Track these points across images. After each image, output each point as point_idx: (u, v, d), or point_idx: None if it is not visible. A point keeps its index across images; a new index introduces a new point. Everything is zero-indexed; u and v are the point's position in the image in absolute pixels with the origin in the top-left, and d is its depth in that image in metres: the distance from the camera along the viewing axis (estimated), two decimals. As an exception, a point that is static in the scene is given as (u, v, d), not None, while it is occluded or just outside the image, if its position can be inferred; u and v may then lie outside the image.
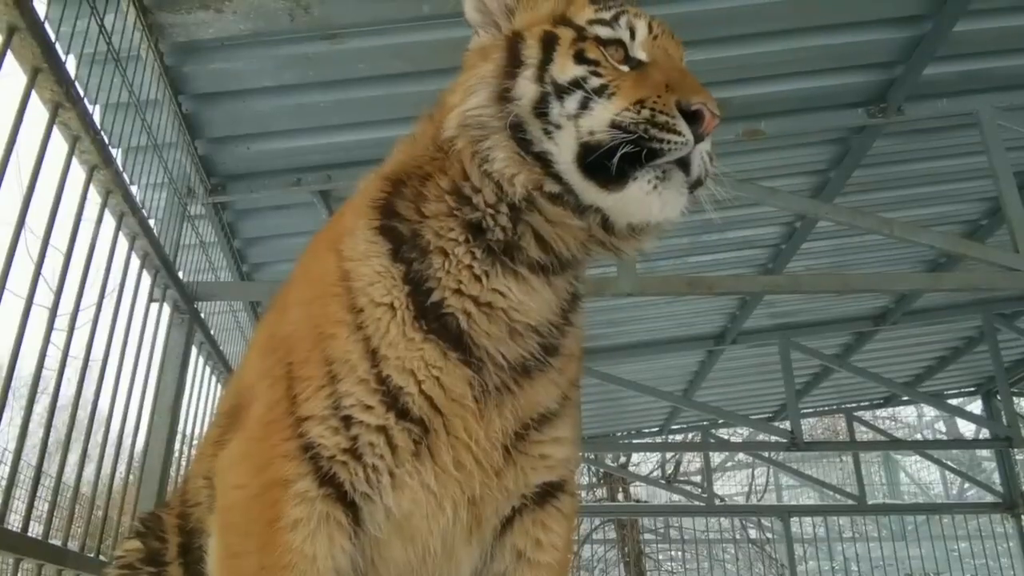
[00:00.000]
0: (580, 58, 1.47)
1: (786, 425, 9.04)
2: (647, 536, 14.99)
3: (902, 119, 5.15)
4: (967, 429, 14.88)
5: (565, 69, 1.46)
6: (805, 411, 11.64)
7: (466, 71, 1.59)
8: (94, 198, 3.35)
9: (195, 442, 4.98)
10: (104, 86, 3.45)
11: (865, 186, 6.09)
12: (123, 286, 3.71)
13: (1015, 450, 10.60)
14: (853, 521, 12.79)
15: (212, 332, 5.01)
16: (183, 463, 4.70)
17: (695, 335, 9.02)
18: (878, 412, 14.05)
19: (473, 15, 1.68)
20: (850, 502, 11.24)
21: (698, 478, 14.95)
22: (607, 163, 1.39)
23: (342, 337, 1.46)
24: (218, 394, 5.40)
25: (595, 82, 1.45)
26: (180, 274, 4.38)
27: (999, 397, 9.90)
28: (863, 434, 12.54)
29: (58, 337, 3.03)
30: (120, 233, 3.62)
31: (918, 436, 17.08)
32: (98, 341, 3.38)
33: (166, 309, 4.30)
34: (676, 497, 13.05)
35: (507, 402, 1.50)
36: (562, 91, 1.45)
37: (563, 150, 1.45)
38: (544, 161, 1.46)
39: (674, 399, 9.99)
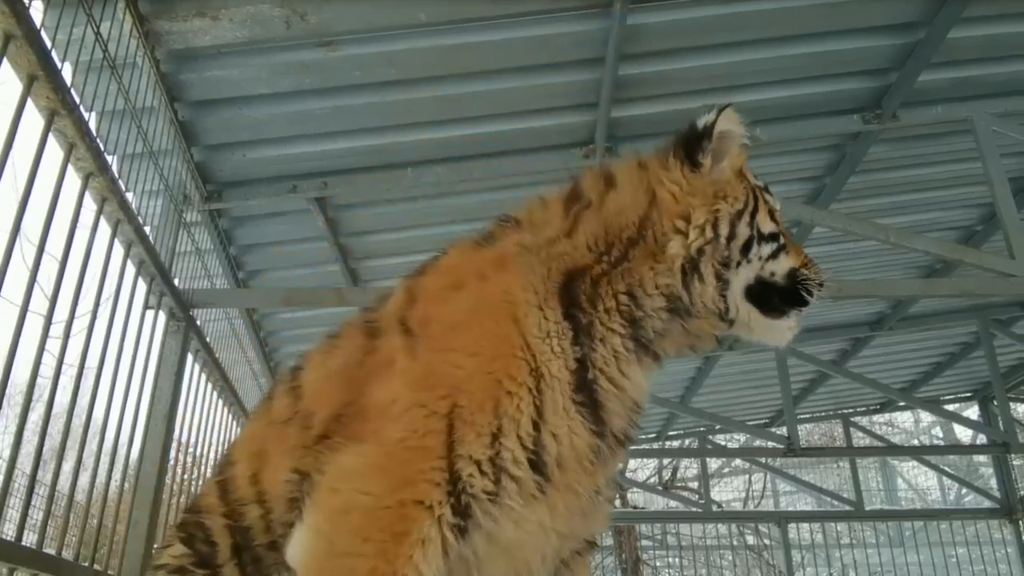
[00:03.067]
0: (772, 216, 1.94)
1: (783, 431, 9.03)
2: (644, 542, 14.96)
3: (897, 125, 5.17)
4: (964, 435, 14.89)
5: (766, 223, 1.91)
6: (802, 417, 11.64)
7: (689, 190, 1.88)
8: (89, 205, 3.35)
9: (191, 450, 4.97)
10: (100, 93, 3.45)
11: (860, 192, 6.11)
12: (118, 293, 3.70)
13: (1012, 455, 10.61)
14: (851, 527, 12.78)
15: (208, 339, 5.00)
16: (180, 471, 4.68)
17: (691, 341, 9.01)
18: (875, 418, 14.06)
19: (717, 142, 1.95)
20: (847, 508, 11.23)
21: (695, 484, 14.93)
22: (772, 298, 1.90)
23: (519, 398, 1.68)
24: (214, 401, 5.38)
25: (781, 239, 1.94)
26: (176, 281, 4.37)
27: (996, 402, 9.91)
28: (860, 440, 12.54)
29: (53, 345, 3.02)
30: (116, 240, 3.62)
31: (915, 442, 17.09)
32: (93, 348, 3.37)
33: (162, 316, 4.29)
34: (673, 503, 13.05)
35: (608, 464, 1.81)
36: (763, 239, 1.89)
37: (740, 280, 1.87)
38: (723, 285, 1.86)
39: (671, 405, 9.98)
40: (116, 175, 3.54)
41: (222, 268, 5.45)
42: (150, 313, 4.10)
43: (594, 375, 1.76)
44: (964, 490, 14.27)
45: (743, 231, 1.87)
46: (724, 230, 1.85)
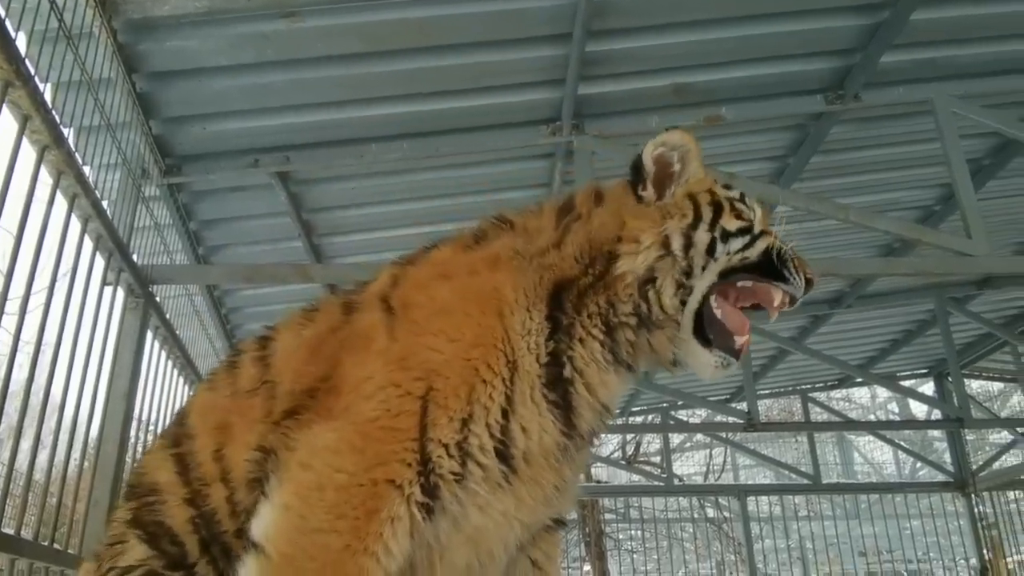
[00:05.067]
0: (739, 216, 2.04)
1: (743, 406, 9.16)
2: (607, 516, 15.16)
3: (859, 106, 5.22)
4: (919, 410, 15.27)
5: (731, 223, 2.01)
6: (762, 393, 11.83)
7: (636, 215, 2.01)
8: (45, 179, 3.26)
9: (151, 428, 4.90)
10: (55, 64, 3.36)
11: (822, 172, 6.18)
12: (76, 269, 3.63)
13: (966, 431, 10.92)
14: (808, 500, 13.06)
15: (168, 316, 4.93)
16: (140, 449, 4.62)
17: (656, 318, 9.09)
18: (833, 393, 14.34)
19: (649, 165, 2.08)
20: (805, 481, 11.48)
21: (658, 458, 15.13)
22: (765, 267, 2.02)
23: (492, 388, 1.75)
24: (175, 379, 5.32)
25: (755, 231, 2.04)
26: (134, 257, 4.29)
27: (950, 379, 10.17)
28: (818, 415, 12.79)
29: (9, 322, 2.96)
30: (72, 215, 3.54)
31: (871, 417, 17.49)
32: (50, 326, 3.30)
33: (120, 293, 4.21)
34: (636, 477, 13.22)
35: (574, 461, 1.90)
36: (730, 236, 1.99)
37: (705, 281, 1.96)
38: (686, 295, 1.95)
39: (635, 382, 10.07)
40: (72, 148, 3.45)
41: (182, 244, 5.36)
42: (108, 290, 4.02)
43: (571, 375, 1.85)
44: (919, 464, 14.64)
45: (702, 237, 1.98)
46: (677, 243, 1.96)
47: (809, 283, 2.08)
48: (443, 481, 1.69)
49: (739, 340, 1.98)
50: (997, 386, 14.05)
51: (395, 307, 1.86)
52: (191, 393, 2.19)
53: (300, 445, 1.67)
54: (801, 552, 13.54)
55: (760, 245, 2.02)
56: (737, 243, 2.00)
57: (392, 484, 1.64)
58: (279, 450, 1.70)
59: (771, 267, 2.00)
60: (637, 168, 2.10)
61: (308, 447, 1.67)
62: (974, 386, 13.14)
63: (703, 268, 1.96)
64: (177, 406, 5.32)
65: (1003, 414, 13.83)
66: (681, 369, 2.07)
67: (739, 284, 2.01)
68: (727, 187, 2.14)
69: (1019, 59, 5.22)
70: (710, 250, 1.97)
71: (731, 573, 14.97)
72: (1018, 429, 10.98)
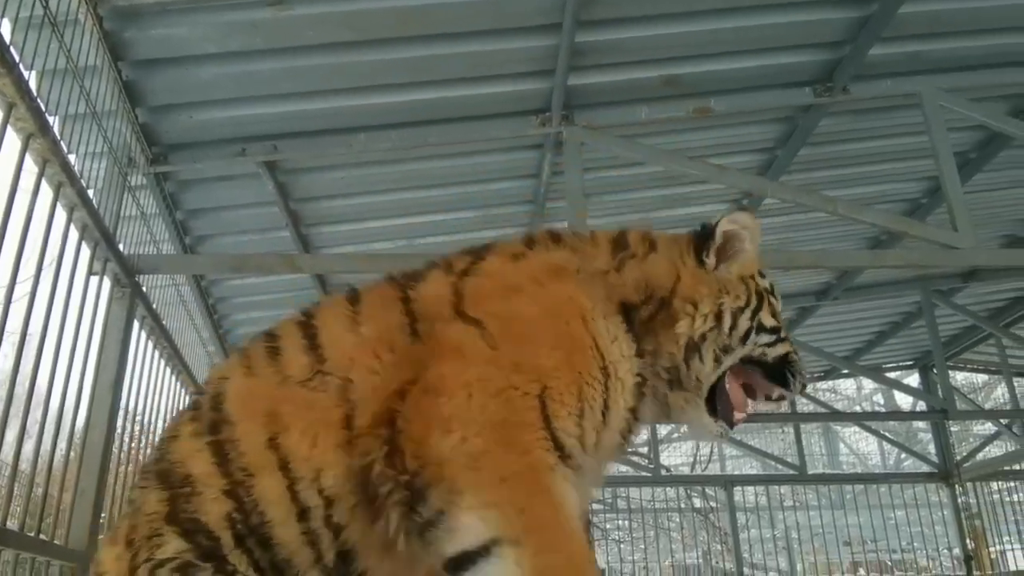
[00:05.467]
0: (774, 315, 2.23)
1: (731, 398, 9.21)
2: (595, 506, 15.22)
3: (847, 98, 5.24)
4: (904, 401, 15.36)
5: (768, 319, 2.20)
6: (749, 384, 11.87)
7: (696, 278, 2.17)
8: (30, 167, 3.24)
9: (138, 418, 4.88)
10: (40, 51, 3.32)
11: (810, 164, 6.20)
12: (61, 259, 3.60)
13: (950, 422, 11.00)
14: (794, 490, 13.14)
15: (155, 306, 4.90)
16: (127, 439, 4.61)
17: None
18: (819, 385, 14.40)
19: (719, 236, 2.21)
20: (791, 472, 11.55)
21: (645, 449, 15.17)
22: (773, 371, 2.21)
23: (595, 389, 1.91)
24: (162, 369, 5.29)
25: (782, 334, 2.23)
26: (121, 247, 4.26)
27: (935, 371, 10.25)
28: (804, 406, 12.83)
29: (-8, 311, 2.93)
30: (58, 204, 3.51)
31: (857, 408, 17.58)
32: (36, 315, 3.28)
33: (106, 283, 4.18)
34: (624, 468, 13.26)
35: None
36: (764, 330, 2.18)
37: (730, 361, 2.16)
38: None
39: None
40: (58, 136, 3.43)
41: (168, 233, 5.33)
42: (94, 279, 4.00)
43: (643, 385, 2.05)
44: (903, 455, 14.77)
45: (744, 323, 2.16)
46: (727, 321, 2.14)
47: (803, 388, 2.26)
48: (567, 459, 1.83)
49: (738, 416, 2.18)
50: (981, 378, 14.16)
51: (481, 319, 1.90)
52: (214, 377, 2.00)
53: (442, 458, 1.70)
54: (787, 541, 13.63)
55: (780, 349, 2.22)
56: (765, 339, 2.20)
57: (549, 468, 1.76)
58: (409, 460, 1.72)
59: (781, 372, 2.20)
60: (706, 234, 2.23)
61: (456, 457, 1.70)
62: (959, 378, 13.24)
63: (734, 350, 2.15)
64: (164, 396, 5.30)
65: (987, 406, 13.94)
66: (673, 422, 2.29)
67: (747, 368, 2.20)
68: (762, 275, 2.32)
69: (1006, 52, 5.25)
70: (745, 337, 2.16)
71: (717, 562, 15.07)
72: (1002, 420, 11.07)
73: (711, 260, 2.20)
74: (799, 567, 12.73)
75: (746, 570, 10.04)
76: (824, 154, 6.15)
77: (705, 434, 2.19)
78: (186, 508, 1.85)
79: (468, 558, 1.64)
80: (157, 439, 2.05)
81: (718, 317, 2.12)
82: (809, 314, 9.50)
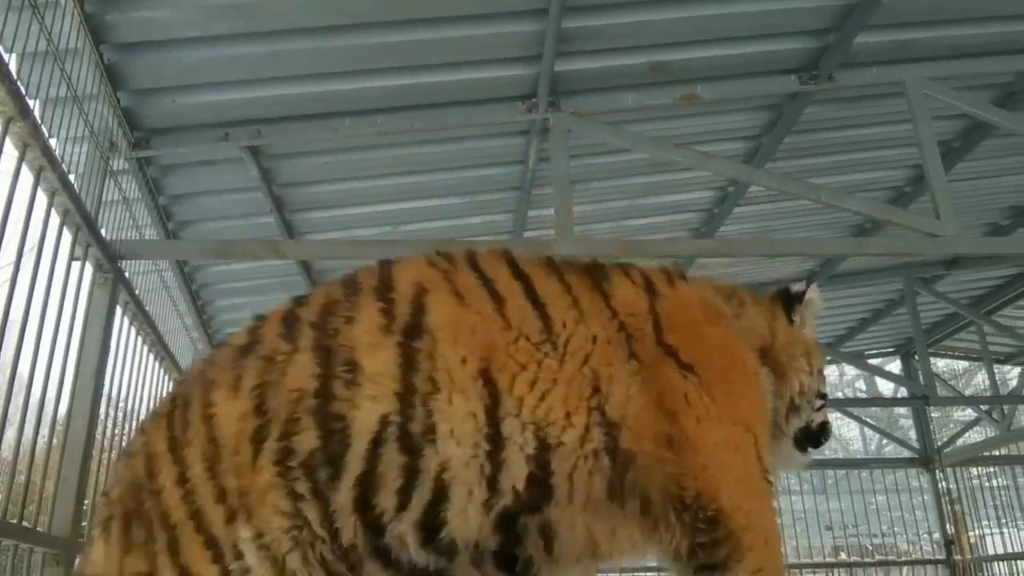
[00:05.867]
0: (824, 382, 2.49)
1: (715, 384, 9.26)
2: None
3: (833, 86, 5.25)
4: (886, 387, 15.50)
5: (823, 384, 2.47)
6: (734, 371, 11.94)
7: (790, 336, 2.40)
8: (10, 151, 3.19)
9: (121, 404, 4.85)
10: (20, 34, 3.27)
11: (796, 152, 6.22)
12: (42, 244, 3.56)
13: (931, 408, 11.11)
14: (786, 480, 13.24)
15: (137, 292, 4.86)
16: (110, 426, 4.57)
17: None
18: (802, 371, 14.50)
19: (804, 308, 2.48)
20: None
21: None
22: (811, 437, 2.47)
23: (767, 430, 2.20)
24: (145, 355, 5.25)
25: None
26: (103, 232, 4.22)
27: (917, 357, 10.33)
28: (788, 393, 12.93)
29: (-28, 297, 2.90)
30: (39, 188, 3.46)
31: (839, 394, 17.70)
32: (17, 301, 3.24)
33: (88, 268, 4.14)
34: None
35: None
36: (821, 396, 2.44)
37: (801, 421, 2.41)
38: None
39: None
40: (39, 120, 3.38)
41: (151, 218, 5.28)
42: (76, 265, 3.96)
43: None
44: (885, 440, 14.91)
45: (815, 385, 2.40)
46: (810, 380, 2.39)
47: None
48: None
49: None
50: (962, 364, 14.30)
51: (691, 364, 2.04)
52: (410, 280, 1.92)
53: (722, 510, 1.92)
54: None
55: (821, 417, 2.48)
56: (818, 403, 2.45)
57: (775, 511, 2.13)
58: (688, 496, 1.91)
59: (816, 437, 2.48)
60: (797, 297, 2.49)
61: (734, 514, 1.92)
62: (940, 364, 13.37)
63: (812, 402, 2.43)
64: (148, 383, 5.26)
65: (967, 392, 14.10)
66: None
67: None
68: None
69: (992, 41, 5.27)
70: (812, 398, 2.42)
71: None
72: (982, 407, 11.20)
73: (799, 320, 2.44)
74: (781, 551, 12.83)
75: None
76: (809, 142, 6.17)
77: (794, 466, 2.55)
78: (338, 395, 1.83)
79: None
80: (316, 311, 1.97)
81: (809, 374, 2.38)
82: (793, 301, 9.54)
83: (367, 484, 1.80)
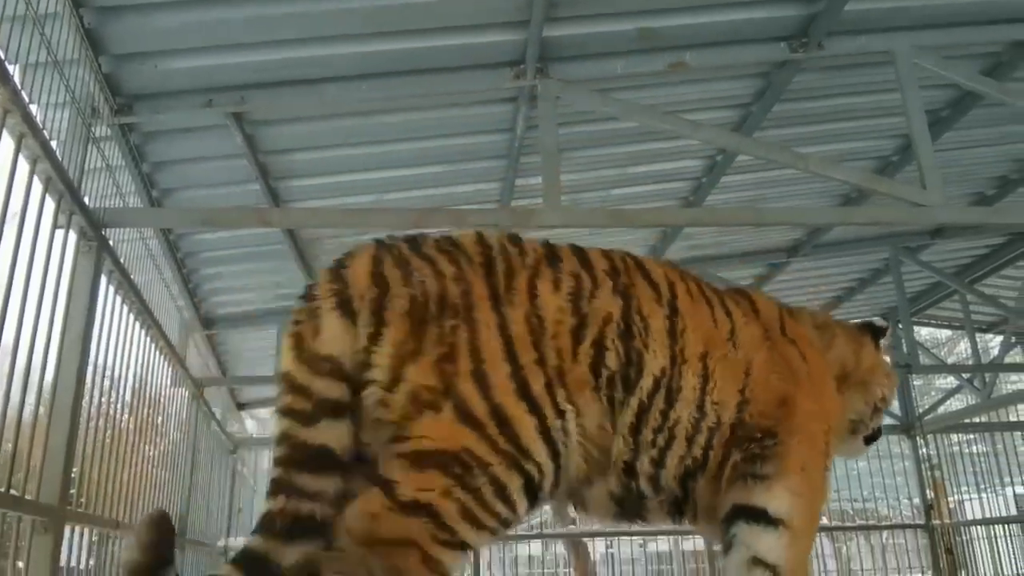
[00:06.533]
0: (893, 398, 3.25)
1: (701, 353, 9.31)
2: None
3: (822, 55, 5.22)
4: (869, 356, 15.63)
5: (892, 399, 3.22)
6: (719, 339, 12.02)
7: (877, 359, 3.14)
8: (-11, 118, 3.14)
9: (108, 373, 4.83)
10: (-4, -4, 3.20)
11: (784, 121, 6.20)
12: (25, 211, 3.52)
13: (913, 376, 11.23)
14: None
15: (122, 260, 4.82)
16: (97, 395, 4.56)
17: (617, 266, 9.13)
18: (788, 340, 14.62)
19: (884, 343, 3.27)
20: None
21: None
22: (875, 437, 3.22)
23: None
24: (131, 324, 5.23)
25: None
26: (86, 199, 4.17)
27: (900, 326, 10.40)
28: (773, 361, 13.05)
29: (-46, 266, 2.87)
30: (20, 155, 3.42)
31: (824, 362, 17.90)
32: (0, 268, 3.22)
33: (72, 236, 4.10)
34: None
35: None
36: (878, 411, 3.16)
37: (875, 424, 3.17)
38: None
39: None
40: (18, 86, 3.32)
41: (135, 186, 5.22)
42: (59, 233, 3.91)
43: None
44: (866, 408, 15.04)
45: (890, 397, 3.14)
46: (888, 393, 3.11)
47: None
48: None
49: None
50: (945, 333, 14.45)
51: (804, 355, 2.71)
52: (662, 276, 2.53)
53: (788, 452, 2.43)
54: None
55: (880, 422, 3.16)
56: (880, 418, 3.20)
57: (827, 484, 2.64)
58: (772, 460, 2.42)
59: (876, 437, 3.20)
60: (883, 331, 3.23)
61: (796, 456, 2.44)
62: (923, 333, 13.50)
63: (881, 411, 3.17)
64: (134, 351, 5.24)
65: (950, 360, 14.26)
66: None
67: None
68: None
69: (981, 11, 5.25)
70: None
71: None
72: (963, 375, 11.34)
73: (883, 347, 3.15)
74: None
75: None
76: (797, 111, 6.16)
77: (855, 455, 3.36)
78: (636, 335, 2.29)
79: (760, 514, 2.35)
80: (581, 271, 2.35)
81: (888, 387, 3.07)
82: (780, 270, 9.59)
83: (641, 416, 2.27)
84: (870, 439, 3.14)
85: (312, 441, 1.89)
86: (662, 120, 5.18)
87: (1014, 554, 11.04)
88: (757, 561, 2.29)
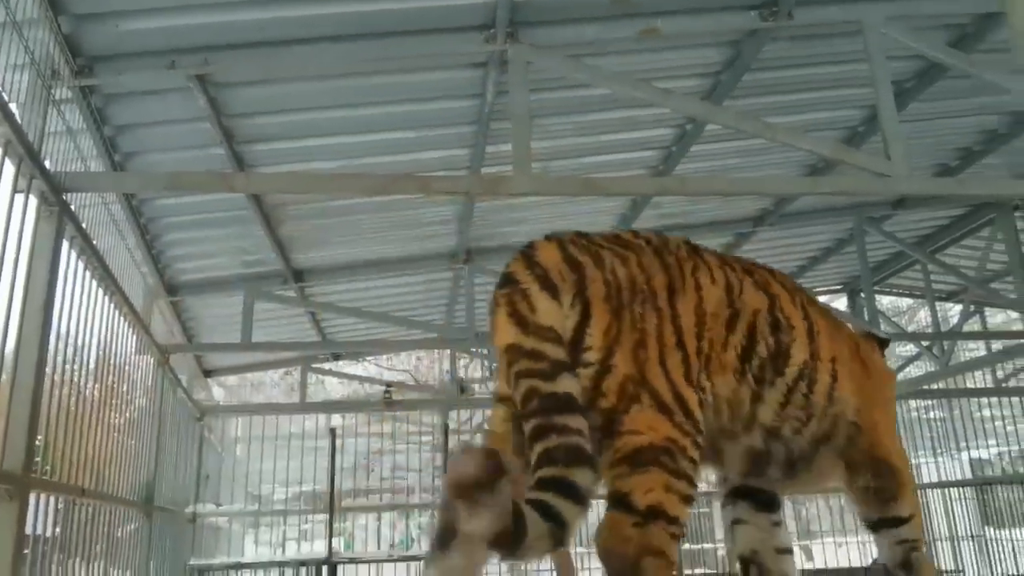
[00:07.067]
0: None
1: (668, 321, 9.38)
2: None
3: (791, 24, 5.23)
4: (832, 324, 15.90)
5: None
6: (686, 307, 12.14)
7: (881, 365, 3.37)
8: (-57, 77, 3.04)
9: (71, 340, 4.76)
10: (-53, -51, 3.09)
11: (752, 91, 6.22)
12: (-18, 175, 3.43)
13: (874, 343, 11.43)
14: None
15: (84, 226, 4.73)
16: (59, 361, 4.49)
17: (586, 234, 9.15)
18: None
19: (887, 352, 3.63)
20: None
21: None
22: None
23: None
24: (94, 290, 5.15)
25: None
26: (47, 163, 4.07)
27: (863, 295, 10.58)
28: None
29: (-91, 230, 2.79)
30: (-25, 117, 3.32)
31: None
32: (-44, 234, 3.14)
33: (33, 201, 4.01)
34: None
35: None
36: None
37: None
38: None
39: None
40: (-28, 44, 3.22)
41: (96, 150, 5.11)
42: (19, 197, 3.82)
43: None
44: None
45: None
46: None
47: None
48: None
49: None
50: (906, 302, 14.73)
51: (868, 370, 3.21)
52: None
53: (895, 466, 3.11)
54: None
55: None
56: None
57: None
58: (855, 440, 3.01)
59: None
60: (885, 342, 3.54)
61: (908, 499, 3.15)
62: (884, 302, 13.75)
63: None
64: (97, 318, 5.17)
65: (910, 328, 14.55)
66: None
67: None
68: None
69: (948, -18, 5.29)
70: None
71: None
72: (923, 342, 11.58)
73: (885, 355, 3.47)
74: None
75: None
76: (766, 80, 6.17)
77: None
78: (782, 329, 2.72)
79: (900, 521, 3.07)
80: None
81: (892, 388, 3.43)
82: (746, 239, 9.69)
83: (788, 396, 2.70)
84: None
85: (557, 390, 2.13)
86: (633, 87, 5.16)
87: (968, 516, 11.40)
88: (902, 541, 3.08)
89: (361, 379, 13.91)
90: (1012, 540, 10.85)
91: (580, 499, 2.00)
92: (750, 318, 2.61)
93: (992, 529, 11.21)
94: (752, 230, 9.38)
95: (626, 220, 8.55)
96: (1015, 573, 10.47)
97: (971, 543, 11.41)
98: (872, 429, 3.01)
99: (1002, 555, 10.94)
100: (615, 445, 2.16)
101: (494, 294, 2.34)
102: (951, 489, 11.33)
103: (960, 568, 10.97)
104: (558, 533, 1.93)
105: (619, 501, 2.12)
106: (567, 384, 2.15)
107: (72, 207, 4.42)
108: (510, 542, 1.84)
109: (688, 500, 2.21)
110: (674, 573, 2.16)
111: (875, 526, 3.11)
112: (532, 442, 2.11)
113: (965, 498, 11.41)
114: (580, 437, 2.07)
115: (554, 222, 8.43)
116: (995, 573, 10.76)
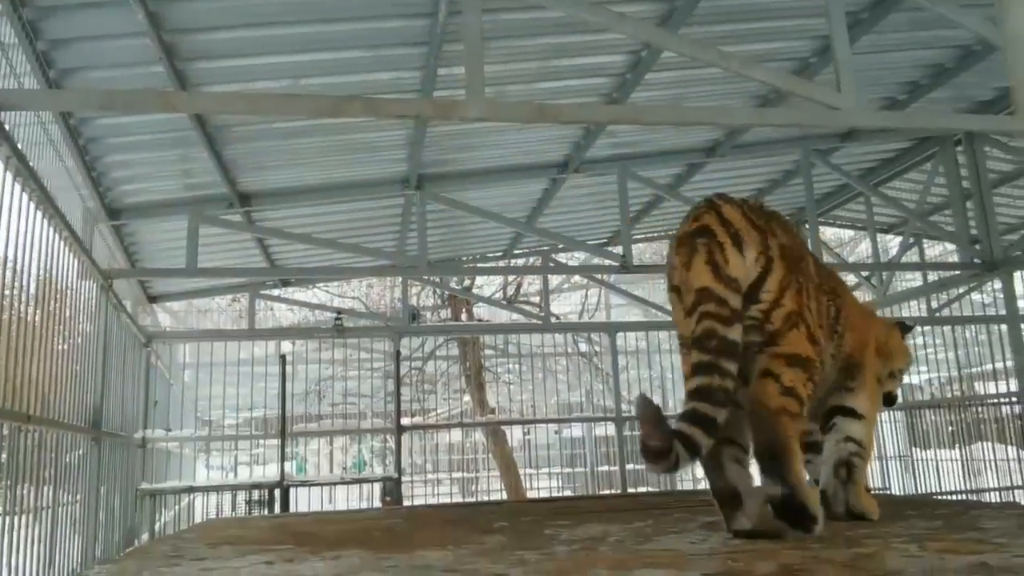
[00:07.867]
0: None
1: (619, 250, 9.49)
2: (488, 351, 15.76)
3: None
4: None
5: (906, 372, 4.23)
6: (637, 237, 12.26)
7: (903, 345, 3.91)
8: None
9: (10, 264, 4.63)
10: None
11: (707, 18, 6.17)
12: (-94, 90, 3.26)
13: (816, 273, 11.72)
14: (671, 335, 13.90)
15: (20, 146, 4.55)
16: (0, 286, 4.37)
17: (541, 163, 9.13)
18: (702, 238, 14.99)
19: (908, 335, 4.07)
20: (670, 319, 12.12)
21: (537, 299, 15.64)
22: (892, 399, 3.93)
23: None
24: (33, 213, 4.99)
25: None
26: (-24, 78, 3.88)
27: (808, 226, 10.77)
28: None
29: None
30: None
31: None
32: None
33: (-38, 118, 3.83)
34: (516, 316, 13.67)
35: None
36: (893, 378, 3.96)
37: (889, 387, 3.90)
38: None
39: (518, 225, 10.21)
40: None
41: (30, 66, 4.88)
42: (-53, 113, 3.65)
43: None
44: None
45: (905, 370, 3.93)
46: (904, 367, 3.87)
47: None
48: None
49: None
50: (848, 233, 15.06)
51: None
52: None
53: (861, 395, 3.48)
54: (662, 381, 14.58)
55: (895, 387, 3.84)
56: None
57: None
58: (851, 380, 3.48)
59: (892, 402, 3.87)
60: (911, 328, 4.03)
61: (865, 400, 3.48)
62: (827, 233, 14.03)
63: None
64: (38, 243, 5.02)
65: (851, 259, 14.92)
66: None
67: None
68: None
69: (904, -89, 5.25)
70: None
71: (598, 400, 16.06)
72: (863, 273, 11.90)
73: (907, 338, 3.96)
74: (670, 403, 13.70)
75: (624, 406, 10.74)
76: (721, 8, 6.12)
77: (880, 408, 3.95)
78: (841, 317, 3.32)
79: (851, 412, 3.44)
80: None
81: (905, 363, 3.87)
82: (697, 170, 9.75)
83: (835, 352, 3.30)
84: (887, 401, 3.80)
85: (730, 336, 2.71)
86: (588, 10, 5.07)
87: (896, 438, 11.95)
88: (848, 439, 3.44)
89: (311, 306, 13.80)
90: (936, 460, 11.44)
91: (714, 434, 2.67)
92: (829, 295, 3.30)
93: (919, 450, 11.78)
94: (704, 160, 9.43)
95: (579, 148, 8.52)
96: (937, 490, 11.09)
97: (899, 462, 12.01)
98: (857, 332, 3.55)
99: (926, 473, 11.55)
100: (776, 351, 2.84)
101: (686, 238, 2.86)
102: (882, 412, 11.84)
103: (887, 486, 11.55)
104: (689, 459, 2.64)
105: (775, 378, 2.81)
106: (736, 332, 2.72)
107: (6, 126, 4.24)
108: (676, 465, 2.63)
109: (810, 396, 2.92)
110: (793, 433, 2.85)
111: (830, 412, 3.45)
112: (696, 372, 2.69)
113: (895, 420, 11.95)
114: (733, 382, 2.70)
115: (507, 148, 8.37)
116: (919, 489, 11.39)
